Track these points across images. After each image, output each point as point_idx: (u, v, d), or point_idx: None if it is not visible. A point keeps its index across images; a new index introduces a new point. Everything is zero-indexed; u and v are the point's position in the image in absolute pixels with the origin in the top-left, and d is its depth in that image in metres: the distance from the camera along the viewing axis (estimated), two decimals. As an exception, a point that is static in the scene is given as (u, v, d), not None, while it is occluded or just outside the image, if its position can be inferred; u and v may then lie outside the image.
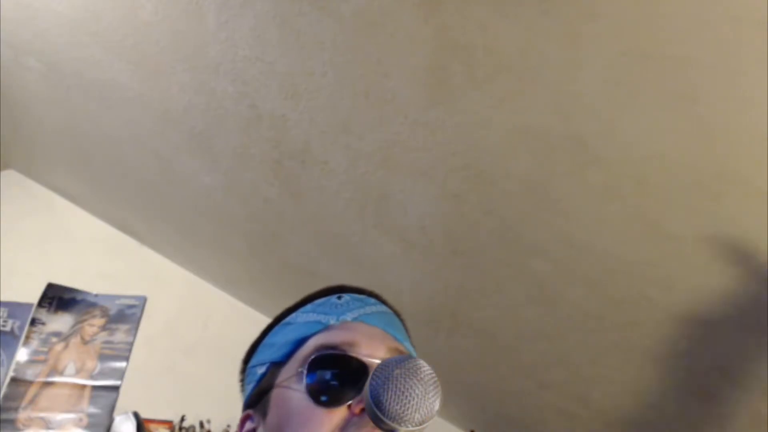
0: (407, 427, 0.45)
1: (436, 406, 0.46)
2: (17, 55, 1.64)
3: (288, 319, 0.65)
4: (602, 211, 1.09)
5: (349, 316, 0.61)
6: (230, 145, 1.52)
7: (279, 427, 0.55)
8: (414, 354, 0.64)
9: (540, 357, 1.56)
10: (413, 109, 1.12)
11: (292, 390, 0.55)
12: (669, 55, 0.82)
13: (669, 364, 1.30)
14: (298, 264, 1.90)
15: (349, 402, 0.52)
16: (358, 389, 0.52)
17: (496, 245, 1.31)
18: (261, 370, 0.62)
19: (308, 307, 0.65)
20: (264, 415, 0.58)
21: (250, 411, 0.61)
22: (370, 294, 0.68)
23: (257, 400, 0.60)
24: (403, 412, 0.45)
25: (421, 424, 0.45)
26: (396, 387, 0.45)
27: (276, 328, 0.65)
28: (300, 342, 0.60)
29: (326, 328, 0.60)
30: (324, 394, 0.53)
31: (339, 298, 0.64)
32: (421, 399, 0.45)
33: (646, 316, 1.23)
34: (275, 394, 0.58)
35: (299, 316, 0.64)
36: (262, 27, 1.13)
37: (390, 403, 0.45)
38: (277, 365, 0.60)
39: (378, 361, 0.52)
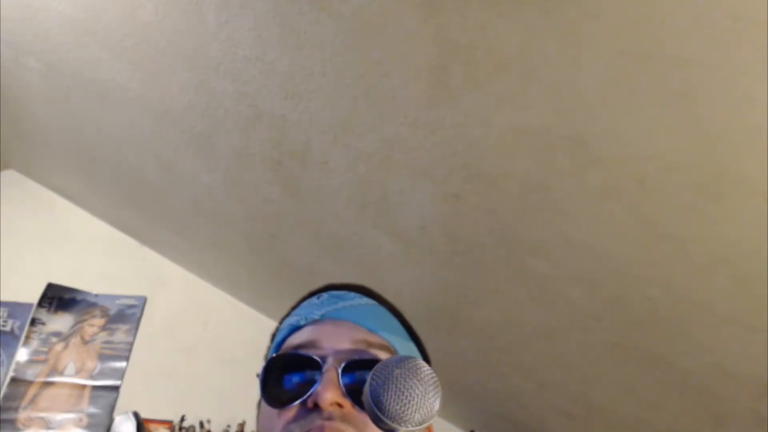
0: (407, 427, 0.45)
1: (436, 406, 0.46)
2: (17, 55, 1.64)
3: (281, 324, 0.66)
4: (602, 211, 1.09)
5: (317, 314, 0.61)
6: (230, 145, 1.53)
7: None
8: (408, 344, 0.63)
9: (540, 357, 1.56)
10: (413, 109, 1.12)
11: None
12: (669, 55, 0.82)
13: (668, 364, 1.30)
14: (298, 264, 1.90)
15: (303, 398, 0.52)
16: (311, 384, 0.52)
17: (496, 245, 1.31)
18: (261, 376, 0.64)
19: (294, 310, 0.66)
20: (258, 421, 0.60)
21: (257, 426, 0.63)
22: (355, 288, 0.67)
23: (258, 412, 0.62)
24: (403, 412, 0.45)
25: (421, 424, 0.45)
26: (396, 387, 0.45)
27: (274, 337, 0.67)
28: (279, 346, 0.62)
29: (297, 329, 0.61)
30: (277, 396, 0.54)
31: (318, 297, 0.65)
32: (421, 399, 0.45)
33: (646, 316, 1.23)
34: (260, 402, 0.60)
35: (286, 321, 0.65)
36: (262, 27, 1.14)
37: (390, 403, 0.45)
38: None
39: (337, 354, 0.54)
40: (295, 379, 0.54)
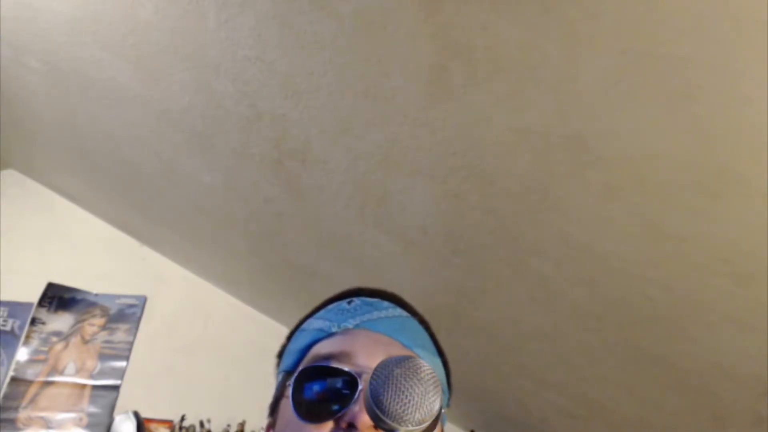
0: (407, 426, 0.45)
1: (437, 405, 0.46)
2: (17, 55, 1.64)
3: (303, 325, 0.64)
4: (602, 211, 1.09)
5: (351, 323, 0.59)
6: (230, 145, 1.52)
7: None
8: (436, 360, 0.62)
9: (540, 357, 1.56)
10: (413, 108, 1.12)
11: (288, 401, 0.55)
12: (669, 54, 0.82)
13: (668, 363, 1.30)
14: (298, 264, 1.90)
15: (336, 416, 0.50)
16: (346, 402, 0.51)
17: (496, 245, 1.31)
18: (279, 378, 0.62)
19: (321, 312, 0.64)
20: (276, 424, 0.58)
21: (270, 419, 0.61)
22: (387, 297, 0.65)
23: (274, 408, 0.60)
24: (403, 412, 0.45)
25: (420, 424, 0.45)
26: (396, 387, 0.45)
27: (295, 334, 0.64)
28: (305, 350, 0.59)
29: (328, 335, 0.59)
30: (308, 409, 0.52)
31: (349, 302, 0.62)
32: (421, 399, 0.45)
33: (647, 316, 1.23)
34: (282, 404, 0.58)
35: (311, 323, 0.63)
36: (262, 27, 1.13)
37: (390, 403, 0.45)
38: (288, 374, 0.59)
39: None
40: (328, 392, 0.52)
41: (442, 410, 0.54)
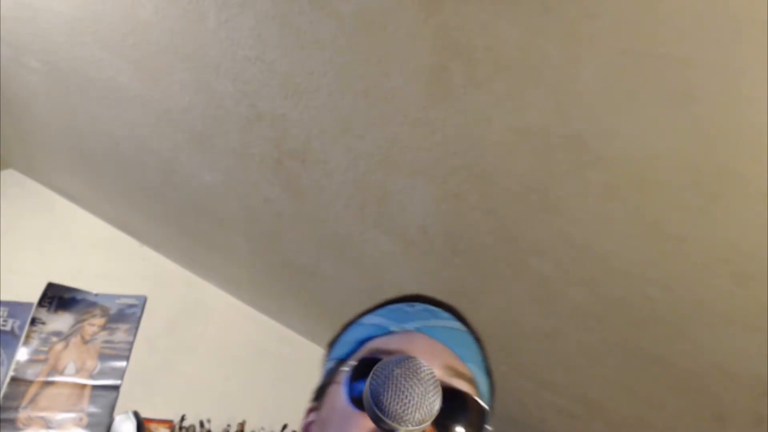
0: (407, 426, 0.45)
1: (436, 406, 0.46)
2: (17, 55, 1.64)
3: (361, 319, 0.66)
4: (602, 211, 1.09)
5: (411, 325, 0.60)
6: (230, 145, 1.53)
7: (324, 423, 0.57)
8: (485, 380, 0.63)
9: (540, 357, 1.56)
10: (413, 108, 1.12)
11: (339, 387, 0.56)
12: (669, 54, 0.82)
13: (669, 363, 1.30)
14: (298, 264, 1.90)
15: None
16: None
17: (496, 245, 1.31)
18: (329, 365, 0.63)
19: (381, 310, 0.65)
20: (321, 408, 0.60)
21: (314, 403, 0.62)
22: (447, 308, 0.67)
23: (320, 393, 0.62)
24: (403, 412, 0.45)
25: (420, 424, 0.45)
26: (396, 387, 0.45)
27: (350, 327, 0.66)
28: (362, 343, 0.61)
29: (387, 333, 0.60)
30: (358, 397, 0.53)
31: (411, 306, 0.64)
32: (421, 399, 0.45)
33: (647, 316, 1.23)
34: (331, 389, 0.59)
35: (369, 318, 0.65)
36: (262, 27, 1.13)
37: (390, 403, 0.45)
38: (340, 362, 0.61)
39: None
40: None
41: (486, 427, 0.56)
